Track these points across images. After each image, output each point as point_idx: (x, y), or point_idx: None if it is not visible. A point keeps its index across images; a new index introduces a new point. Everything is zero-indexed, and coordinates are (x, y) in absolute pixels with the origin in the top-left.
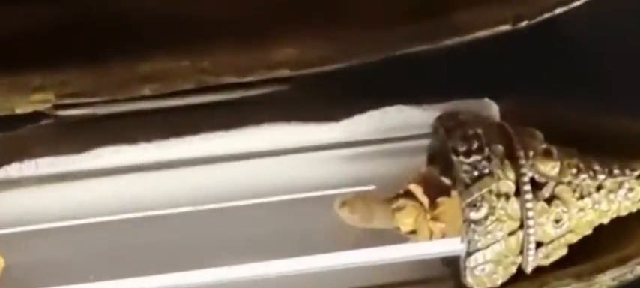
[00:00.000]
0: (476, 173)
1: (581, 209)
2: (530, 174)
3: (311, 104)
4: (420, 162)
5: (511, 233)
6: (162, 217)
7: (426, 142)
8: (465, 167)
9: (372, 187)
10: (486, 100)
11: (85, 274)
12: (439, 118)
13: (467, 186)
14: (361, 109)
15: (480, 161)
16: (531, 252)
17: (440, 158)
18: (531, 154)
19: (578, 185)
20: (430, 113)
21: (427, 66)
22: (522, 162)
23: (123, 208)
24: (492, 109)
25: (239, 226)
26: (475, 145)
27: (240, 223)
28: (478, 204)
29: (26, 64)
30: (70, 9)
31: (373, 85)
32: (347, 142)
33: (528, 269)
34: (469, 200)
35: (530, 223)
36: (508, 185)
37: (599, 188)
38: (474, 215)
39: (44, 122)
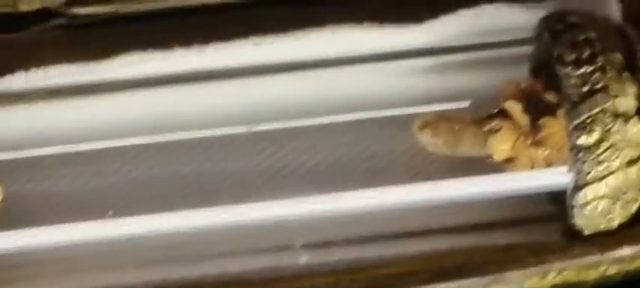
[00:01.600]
0: (586, 88)
1: None
2: None
3: (389, 1)
4: (521, 74)
5: (631, 163)
6: (202, 141)
7: (528, 48)
8: (574, 80)
9: (462, 104)
10: None
11: (102, 210)
12: (544, 20)
13: (575, 104)
14: (450, 7)
15: (592, 73)
16: None
17: (544, 69)
18: None
19: None
20: (534, 13)
21: None
22: None
23: (152, 129)
24: (611, 7)
25: (296, 152)
26: (587, 53)
27: (297, 149)
28: (588, 126)
29: None
30: None
31: None
32: (432, 49)
33: None
34: (577, 121)
35: None
36: (627, 103)
37: None
38: (582, 140)
39: (55, 22)
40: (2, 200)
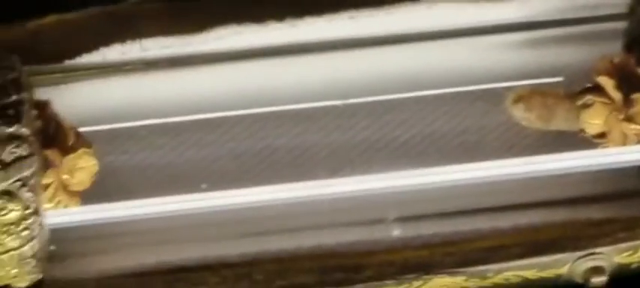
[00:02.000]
0: None
1: None
2: None
3: None
4: (615, 49)
5: None
6: (297, 113)
7: (622, 24)
8: None
9: (556, 79)
10: None
11: (197, 181)
12: None
13: None
14: None
15: None
16: None
17: (637, 44)
18: None
19: None
20: None
21: None
22: None
23: (248, 102)
24: None
25: (392, 126)
26: None
27: (393, 122)
28: None
29: None
30: None
31: None
32: (524, 23)
33: None
34: None
35: None
36: None
37: None
38: None
39: None
40: (97, 172)
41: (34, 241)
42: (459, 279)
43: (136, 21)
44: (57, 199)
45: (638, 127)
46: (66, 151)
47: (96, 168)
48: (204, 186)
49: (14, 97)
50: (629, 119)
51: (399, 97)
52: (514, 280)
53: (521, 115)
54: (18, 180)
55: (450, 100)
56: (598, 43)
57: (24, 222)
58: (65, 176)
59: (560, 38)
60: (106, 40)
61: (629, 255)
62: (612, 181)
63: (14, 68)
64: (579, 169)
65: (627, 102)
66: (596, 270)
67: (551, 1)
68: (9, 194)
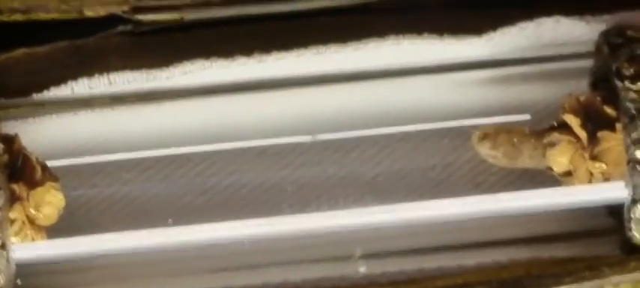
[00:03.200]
0: None
1: None
2: None
3: (449, 13)
4: (581, 87)
5: None
6: (262, 150)
7: (588, 62)
8: (632, 95)
9: (523, 117)
10: None
11: (164, 217)
12: (604, 33)
13: (632, 118)
14: (510, 20)
15: None
16: None
17: (604, 83)
18: None
19: None
20: (594, 26)
21: None
22: None
23: (213, 137)
24: None
25: (357, 162)
26: None
27: (358, 158)
28: None
29: None
30: None
31: None
32: (491, 61)
33: None
34: (635, 135)
35: None
36: None
37: None
38: None
39: (120, 29)
40: (64, 207)
41: (0, 276)
42: None
43: (104, 55)
44: (23, 234)
45: (603, 165)
46: (33, 185)
47: (63, 202)
48: (170, 221)
49: None
50: (595, 157)
51: (365, 133)
52: None
53: (488, 152)
54: None
55: (417, 137)
56: (566, 80)
57: None
58: (32, 211)
59: (527, 76)
60: (74, 74)
61: None
62: (577, 220)
63: None
64: (545, 208)
65: (593, 140)
66: None
67: (518, 38)
68: None
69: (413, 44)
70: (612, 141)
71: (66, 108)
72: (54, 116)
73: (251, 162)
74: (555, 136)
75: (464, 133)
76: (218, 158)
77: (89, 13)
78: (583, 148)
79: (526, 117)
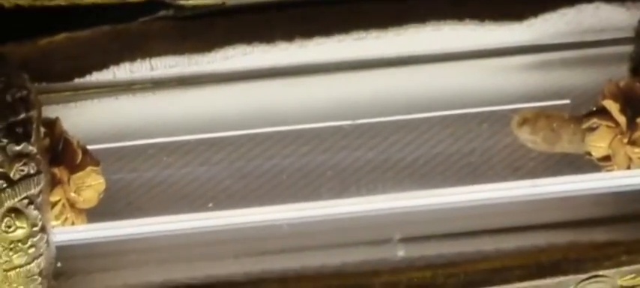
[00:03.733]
0: None
1: None
2: None
3: None
4: (621, 73)
5: None
6: (303, 133)
7: (629, 48)
8: None
9: (563, 102)
10: None
11: (204, 200)
12: None
13: None
14: (551, 5)
15: None
16: None
17: None
18: None
19: None
20: (634, 12)
21: None
22: None
23: (254, 121)
24: None
25: (398, 146)
26: None
27: (399, 143)
28: None
29: None
30: None
31: None
32: (532, 46)
33: None
34: None
35: None
36: None
37: None
38: None
39: (162, 13)
40: (105, 190)
41: (41, 259)
42: None
43: (145, 40)
44: (64, 217)
45: None
46: (74, 169)
47: (103, 186)
48: (210, 205)
49: (23, 115)
50: (634, 143)
51: (405, 118)
52: None
53: (527, 137)
54: (25, 198)
55: (457, 122)
56: (606, 66)
57: (31, 239)
58: (72, 194)
59: (567, 61)
60: (116, 59)
61: (632, 278)
62: (616, 205)
63: (24, 86)
64: (583, 192)
65: (632, 126)
66: None
67: (558, 24)
68: (16, 212)
69: (453, 30)
70: None
71: (107, 92)
72: (95, 101)
73: (291, 146)
74: (595, 121)
75: (504, 118)
76: (258, 142)
77: None
78: (622, 133)
79: (566, 102)
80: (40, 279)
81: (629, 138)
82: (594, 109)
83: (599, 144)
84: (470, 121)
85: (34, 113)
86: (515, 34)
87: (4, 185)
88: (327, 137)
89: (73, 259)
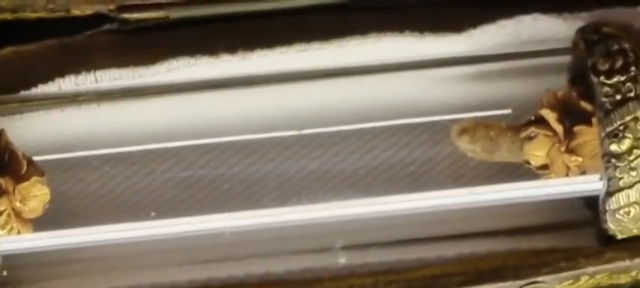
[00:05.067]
0: (618, 97)
1: None
2: None
3: (430, 11)
4: (561, 83)
5: None
6: (245, 144)
7: (567, 58)
8: (606, 89)
9: (504, 111)
10: None
11: (149, 210)
12: (580, 30)
13: (607, 112)
14: (490, 17)
15: (624, 82)
16: None
17: (581, 78)
18: None
19: None
20: (571, 24)
21: None
22: None
23: (197, 132)
24: None
25: (338, 156)
26: (619, 63)
27: (340, 153)
28: (620, 134)
29: None
30: None
31: None
32: (471, 57)
33: None
34: (609, 129)
35: None
36: None
37: None
38: (614, 148)
39: (106, 27)
40: (50, 200)
41: None
42: None
43: (90, 53)
44: (10, 226)
45: (579, 158)
46: (19, 179)
47: (48, 196)
48: (153, 214)
49: None
50: (571, 151)
51: (348, 128)
52: None
53: (466, 146)
54: None
55: (398, 132)
56: (546, 76)
57: None
58: (18, 204)
59: (507, 72)
60: (61, 72)
61: (570, 284)
62: (554, 212)
63: None
64: (522, 200)
65: (569, 134)
66: None
67: (497, 35)
68: None
69: (394, 41)
70: (588, 135)
71: (53, 104)
72: (41, 112)
73: (235, 157)
74: (533, 130)
75: (445, 128)
76: (202, 153)
77: (76, 11)
78: (560, 142)
79: (508, 112)
80: None
81: (567, 146)
82: (532, 118)
83: (537, 153)
84: (411, 131)
85: None
86: (455, 46)
87: None
88: (270, 147)
89: (19, 268)
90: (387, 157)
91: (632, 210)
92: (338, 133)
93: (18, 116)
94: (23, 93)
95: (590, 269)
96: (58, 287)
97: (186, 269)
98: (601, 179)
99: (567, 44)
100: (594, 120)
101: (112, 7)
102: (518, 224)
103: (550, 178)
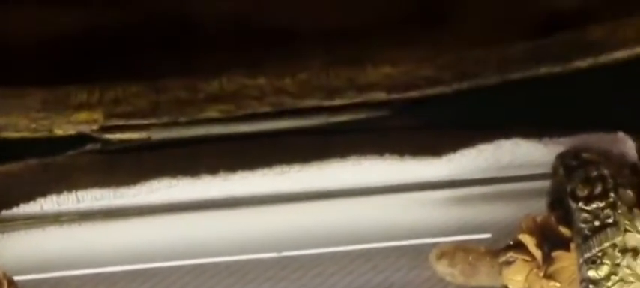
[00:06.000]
0: (597, 223)
1: None
2: None
3: (409, 135)
4: (541, 207)
5: None
6: (225, 265)
7: (546, 183)
8: (585, 215)
9: (484, 236)
10: (620, 134)
11: None
12: (560, 156)
13: (586, 238)
14: (469, 141)
15: (602, 209)
16: None
17: (560, 204)
18: None
19: None
20: (551, 149)
21: (551, 91)
22: None
23: (178, 253)
24: (627, 145)
25: (318, 279)
26: (598, 189)
27: (320, 275)
28: (598, 260)
29: (69, 75)
30: (127, 11)
31: (485, 113)
32: (451, 182)
33: None
34: (588, 255)
35: None
36: (637, 238)
37: None
38: (592, 274)
39: (89, 147)
40: None
41: None
42: None
43: (72, 173)
44: None
45: (557, 284)
46: None
47: None
48: None
49: None
50: (549, 277)
51: (327, 251)
52: None
53: (445, 270)
54: None
55: (377, 255)
56: (526, 201)
57: None
58: None
59: (487, 196)
60: (43, 192)
61: None
62: None
63: None
64: None
65: (548, 259)
66: None
67: (477, 160)
68: None
69: (374, 165)
70: (566, 260)
71: (34, 224)
72: (22, 232)
73: (215, 278)
74: (511, 255)
75: (424, 252)
76: (183, 274)
77: (59, 132)
78: (538, 267)
79: (487, 236)
80: None
81: (545, 272)
82: (511, 243)
83: (515, 277)
84: (390, 255)
85: None
86: (435, 169)
87: None
88: (249, 269)
89: None
90: (366, 279)
91: None
92: (317, 255)
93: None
94: (4, 212)
95: None
96: None
97: None
98: None
99: (547, 169)
100: (573, 245)
101: (95, 127)
102: None
103: None
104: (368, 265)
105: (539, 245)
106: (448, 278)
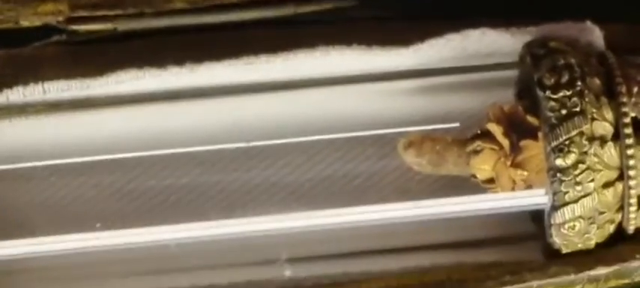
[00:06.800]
0: (564, 111)
1: None
2: (632, 114)
3: (377, 25)
4: (507, 97)
5: (607, 185)
6: (192, 156)
7: (514, 72)
8: (552, 104)
9: (452, 125)
10: (588, 23)
11: (95, 221)
12: (527, 45)
13: (553, 126)
14: (437, 31)
15: (569, 97)
16: (633, 208)
17: (527, 92)
18: (636, 90)
19: None
20: (519, 38)
21: None
22: (624, 99)
23: (145, 144)
24: (594, 34)
25: (285, 169)
26: (565, 78)
27: (285, 165)
28: (565, 148)
29: None
30: None
31: (453, 3)
32: (418, 71)
33: (630, 229)
34: (555, 144)
35: (632, 172)
36: (604, 127)
37: None
38: (560, 162)
39: (55, 38)
40: None
41: None
42: None
43: (39, 64)
44: None
45: (525, 173)
46: None
47: None
48: (98, 225)
49: None
50: (517, 165)
51: (295, 141)
52: None
53: (412, 160)
54: None
55: (345, 145)
56: (494, 90)
57: None
58: None
59: (455, 86)
60: (9, 83)
61: None
62: (500, 226)
63: None
64: (468, 214)
65: (515, 148)
66: None
67: (445, 49)
68: None
69: (342, 54)
70: (534, 149)
71: (1, 115)
72: None
73: (182, 169)
74: (479, 144)
75: (392, 142)
76: (149, 165)
77: (25, 22)
78: (506, 156)
79: (456, 125)
80: None
81: (513, 160)
82: (479, 132)
83: (482, 166)
84: (358, 145)
85: None
86: (403, 59)
87: None
88: (217, 159)
89: None
90: (334, 170)
91: (577, 224)
92: (285, 145)
93: None
94: None
95: (535, 283)
96: None
97: (131, 281)
98: (546, 193)
99: (515, 58)
100: (540, 134)
101: (61, 18)
102: (464, 238)
103: (496, 192)
104: (336, 155)
105: (506, 134)
106: (416, 167)
